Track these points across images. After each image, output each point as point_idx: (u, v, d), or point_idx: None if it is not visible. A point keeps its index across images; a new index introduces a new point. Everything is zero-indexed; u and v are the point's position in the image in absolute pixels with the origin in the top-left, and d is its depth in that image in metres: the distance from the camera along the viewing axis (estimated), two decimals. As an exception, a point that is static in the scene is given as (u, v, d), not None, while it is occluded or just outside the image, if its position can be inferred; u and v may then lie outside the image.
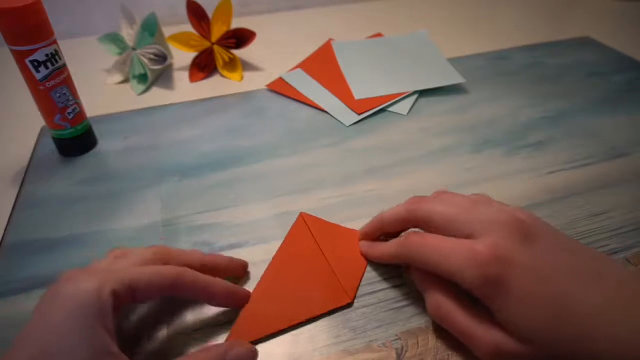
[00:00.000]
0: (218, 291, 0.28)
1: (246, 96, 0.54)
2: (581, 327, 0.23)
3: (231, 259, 0.32)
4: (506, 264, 0.24)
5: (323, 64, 0.59)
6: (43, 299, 0.24)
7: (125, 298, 0.24)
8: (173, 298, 0.30)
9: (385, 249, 0.31)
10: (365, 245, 0.33)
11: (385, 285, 0.32)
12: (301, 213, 0.36)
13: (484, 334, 0.25)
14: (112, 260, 0.27)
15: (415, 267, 0.29)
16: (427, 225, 0.28)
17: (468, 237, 0.26)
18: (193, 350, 0.28)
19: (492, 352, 0.25)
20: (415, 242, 0.28)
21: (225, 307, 0.30)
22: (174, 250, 0.29)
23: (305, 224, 0.35)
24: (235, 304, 0.29)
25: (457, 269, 0.25)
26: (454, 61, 0.58)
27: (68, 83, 0.41)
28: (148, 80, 0.56)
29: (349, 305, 0.30)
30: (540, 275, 0.24)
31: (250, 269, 0.33)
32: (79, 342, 0.22)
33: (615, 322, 0.23)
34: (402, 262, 0.30)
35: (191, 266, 0.28)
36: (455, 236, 0.26)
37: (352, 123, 0.49)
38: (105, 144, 0.46)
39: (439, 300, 0.27)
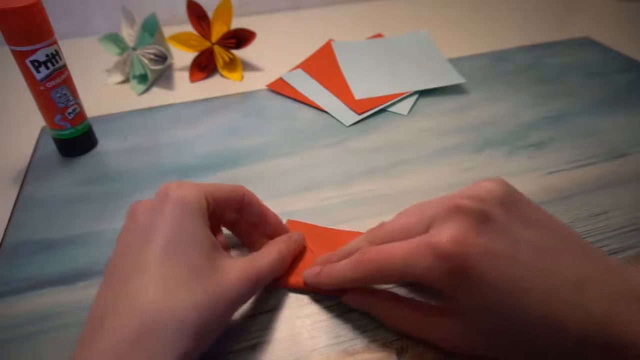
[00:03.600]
0: (273, 218, 0.33)
1: (246, 96, 0.54)
2: (543, 306, 0.22)
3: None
4: (466, 253, 0.23)
5: (323, 64, 0.59)
6: (153, 202, 0.27)
7: (210, 206, 0.28)
8: None
9: (336, 271, 0.28)
10: (312, 272, 0.30)
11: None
12: (288, 220, 0.36)
13: (442, 329, 0.26)
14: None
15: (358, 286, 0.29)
16: (386, 242, 0.27)
17: (427, 231, 0.25)
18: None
19: (452, 345, 0.26)
20: (371, 255, 0.26)
21: (271, 235, 0.33)
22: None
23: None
24: (278, 233, 0.33)
25: (418, 269, 0.24)
26: (454, 61, 0.58)
27: (68, 83, 0.41)
28: (148, 80, 0.56)
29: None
30: (502, 257, 0.23)
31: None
32: (193, 234, 0.25)
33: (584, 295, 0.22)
34: (361, 283, 0.28)
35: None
36: (415, 235, 0.25)
37: (352, 123, 0.49)
38: (105, 144, 0.46)
39: (392, 312, 0.28)
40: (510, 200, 0.25)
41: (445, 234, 0.23)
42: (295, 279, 0.31)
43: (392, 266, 0.25)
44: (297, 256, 0.32)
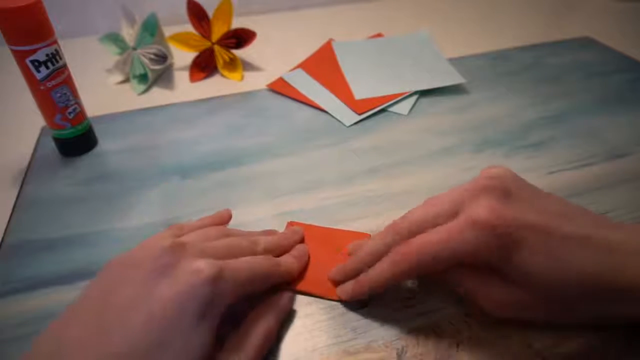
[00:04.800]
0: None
1: (246, 96, 0.54)
2: (599, 260, 0.24)
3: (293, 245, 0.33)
4: (507, 223, 0.24)
5: (323, 64, 0.59)
6: (171, 269, 0.24)
7: (235, 299, 0.25)
8: None
9: (377, 275, 0.28)
10: (347, 288, 0.29)
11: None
12: (288, 222, 0.36)
13: (499, 293, 0.26)
14: (203, 238, 0.28)
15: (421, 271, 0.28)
16: (416, 233, 0.27)
17: (456, 215, 0.26)
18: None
19: (500, 308, 0.26)
20: (412, 248, 0.26)
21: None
22: (261, 239, 0.31)
23: None
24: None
25: (467, 246, 0.25)
26: (454, 61, 0.58)
27: (68, 83, 0.41)
28: (148, 80, 0.56)
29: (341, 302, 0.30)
30: (538, 222, 0.25)
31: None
32: (193, 347, 0.23)
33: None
34: (402, 279, 0.28)
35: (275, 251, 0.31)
36: (443, 223, 0.26)
37: (352, 123, 0.49)
38: (105, 144, 0.46)
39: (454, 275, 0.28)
40: (519, 179, 0.28)
41: (480, 208, 0.25)
42: (299, 283, 0.31)
43: (436, 255, 0.25)
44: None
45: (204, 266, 0.24)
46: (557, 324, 0.28)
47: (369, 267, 0.28)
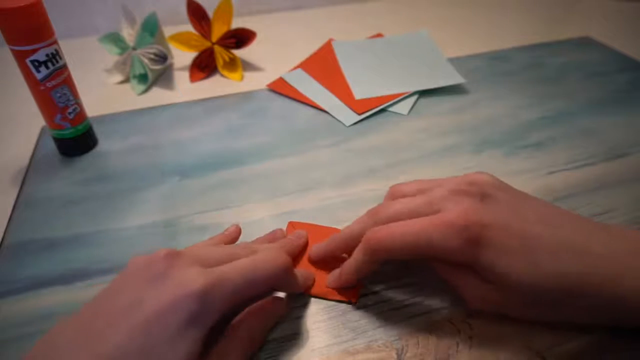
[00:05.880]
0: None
1: (246, 96, 0.54)
2: (576, 265, 0.25)
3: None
4: (479, 224, 0.25)
5: (323, 64, 0.59)
6: (141, 274, 0.24)
7: (229, 308, 0.25)
8: None
9: (356, 262, 0.29)
10: (335, 275, 0.31)
11: (385, 285, 0.32)
12: (289, 222, 0.36)
13: (474, 290, 0.27)
14: (200, 247, 0.28)
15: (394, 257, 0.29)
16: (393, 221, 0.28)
17: (433, 213, 0.27)
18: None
19: (481, 304, 0.28)
20: (383, 234, 0.27)
21: None
22: (260, 247, 0.30)
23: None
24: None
25: (438, 241, 0.26)
26: (454, 61, 0.58)
27: (68, 83, 0.41)
28: (148, 80, 0.56)
29: (352, 304, 0.30)
30: (511, 226, 0.26)
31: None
32: (169, 347, 0.22)
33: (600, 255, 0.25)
34: (375, 262, 0.29)
35: None
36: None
37: (352, 123, 0.49)
38: (105, 144, 0.46)
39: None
40: (501, 184, 0.29)
41: (456, 211, 0.26)
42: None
43: (408, 241, 0.26)
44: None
45: (194, 277, 0.23)
46: (555, 324, 0.28)
47: (345, 250, 0.31)
